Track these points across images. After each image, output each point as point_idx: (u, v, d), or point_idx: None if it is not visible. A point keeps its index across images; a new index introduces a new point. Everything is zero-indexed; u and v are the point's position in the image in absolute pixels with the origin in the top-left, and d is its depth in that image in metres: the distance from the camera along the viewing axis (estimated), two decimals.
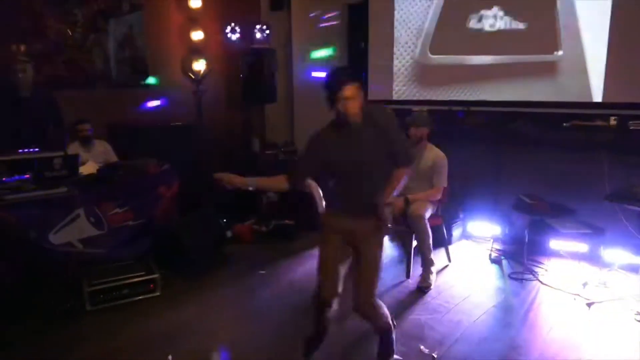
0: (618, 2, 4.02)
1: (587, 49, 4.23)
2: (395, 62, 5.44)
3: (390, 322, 2.62)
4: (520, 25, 4.57)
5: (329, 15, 5.97)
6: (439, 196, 3.96)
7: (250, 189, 2.48)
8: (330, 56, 6.01)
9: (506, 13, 4.62)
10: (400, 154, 2.39)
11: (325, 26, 5.98)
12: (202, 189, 5.33)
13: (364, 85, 5.91)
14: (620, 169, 3.91)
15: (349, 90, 2.23)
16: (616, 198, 3.58)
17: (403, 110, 5.16)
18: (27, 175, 3.48)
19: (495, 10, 4.68)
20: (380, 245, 2.50)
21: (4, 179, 3.38)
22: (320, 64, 6.07)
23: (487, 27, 4.74)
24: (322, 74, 5.92)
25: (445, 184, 4.00)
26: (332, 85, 2.25)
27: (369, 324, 2.60)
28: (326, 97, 2.30)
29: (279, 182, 2.50)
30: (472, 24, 4.81)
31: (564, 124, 4.45)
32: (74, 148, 4.40)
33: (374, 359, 2.74)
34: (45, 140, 4.13)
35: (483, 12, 4.74)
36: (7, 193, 3.26)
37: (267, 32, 6.20)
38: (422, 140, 4.02)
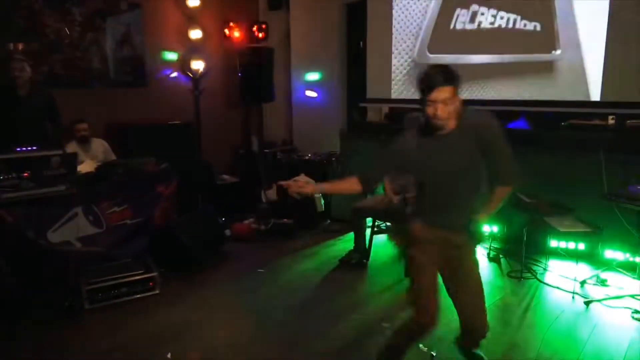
0: (616, 1, 4.03)
1: (585, 48, 4.24)
2: (394, 61, 5.45)
3: None
4: (519, 25, 4.58)
5: None
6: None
7: (318, 195, 2.35)
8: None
9: (505, 12, 4.64)
10: (506, 173, 2.22)
11: (324, 24, 5.97)
12: (201, 188, 5.34)
13: (360, 85, 5.93)
14: (618, 168, 3.91)
15: (441, 92, 2.02)
16: (614, 197, 3.59)
17: (402, 109, 5.18)
18: (26, 174, 3.47)
19: (493, 9, 4.69)
20: (477, 259, 2.33)
21: (2, 177, 3.37)
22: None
23: (485, 26, 4.75)
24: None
25: None
26: (424, 85, 2.06)
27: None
28: (419, 97, 2.12)
29: (351, 186, 2.31)
30: (470, 23, 4.82)
31: (562, 123, 4.47)
32: (71, 147, 4.40)
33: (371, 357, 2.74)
34: (44, 139, 4.12)
35: (481, 10, 4.75)
36: (5, 192, 3.25)
37: (266, 31, 6.21)
38: None
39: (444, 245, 2.25)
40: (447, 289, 2.33)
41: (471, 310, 2.29)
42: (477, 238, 2.30)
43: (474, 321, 2.30)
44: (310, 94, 6.19)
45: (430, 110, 2.05)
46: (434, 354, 2.83)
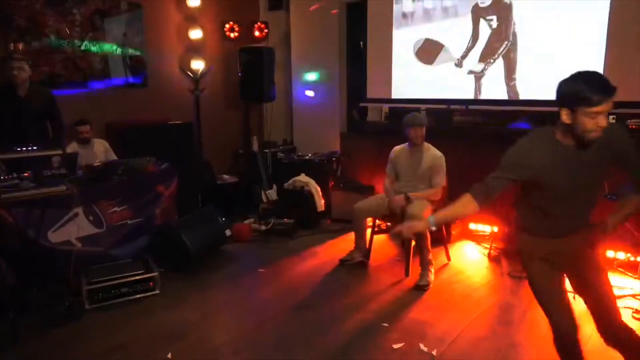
0: (616, 0, 4.03)
1: (585, 46, 4.23)
2: (394, 60, 5.44)
3: None
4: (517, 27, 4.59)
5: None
6: (439, 196, 3.97)
7: (434, 228, 2.26)
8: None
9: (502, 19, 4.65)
10: None
11: (325, 24, 5.97)
12: (201, 187, 5.34)
13: (360, 85, 5.93)
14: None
15: (608, 104, 1.83)
16: (615, 196, 3.58)
17: (403, 109, 5.17)
18: (26, 174, 3.46)
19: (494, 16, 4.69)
20: (600, 260, 2.20)
21: (2, 177, 3.37)
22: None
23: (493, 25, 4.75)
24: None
25: (444, 183, 4.01)
26: (586, 93, 1.83)
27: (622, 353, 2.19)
28: (565, 104, 1.90)
29: (466, 206, 2.09)
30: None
31: None
32: (72, 148, 4.39)
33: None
34: (44, 139, 4.12)
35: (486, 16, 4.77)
36: (6, 192, 3.24)
37: (266, 31, 6.21)
38: (422, 140, 4.03)
39: (554, 252, 2.16)
40: (584, 301, 2.20)
41: (597, 311, 2.15)
42: (594, 241, 2.19)
43: (605, 320, 2.13)
44: (309, 93, 6.18)
45: (589, 123, 1.85)
46: (434, 354, 2.83)
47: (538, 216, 2.16)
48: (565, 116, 1.91)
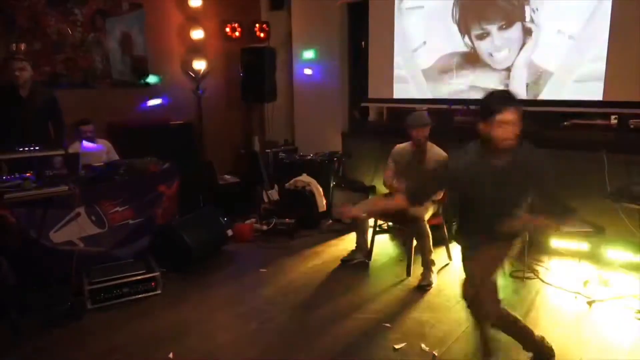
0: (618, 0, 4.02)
1: (586, 47, 4.23)
2: (396, 60, 5.44)
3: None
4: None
5: None
6: (441, 195, 3.96)
7: (364, 215, 2.52)
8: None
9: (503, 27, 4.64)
10: (559, 208, 2.30)
11: (326, 24, 5.97)
12: (202, 187, 5.35)
13: (362, 85, 5.95)
14: (621, 168, 3.90)
15: (511, 113, 2.10)
16: (617, 197, 3.58)
17: (405, 109, 5.17)
18: (28, 174, 3.47)
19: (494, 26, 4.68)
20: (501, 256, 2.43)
21: (4, 177, 3.38)
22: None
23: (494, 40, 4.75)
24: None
25: None
26: (492, 104, 2.12)
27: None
28: (481, 117, 2.18)
29: (398, 204, 2.45)
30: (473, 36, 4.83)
31: (565, 123, 4.46)
32: (74, 148, 4.40)
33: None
34: (46, 139, 4.13)
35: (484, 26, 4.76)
36: (8, 192, 3.25)
37: (267, 31, 6.21)
38: (425, 140, 4.02)
39: (485, 248, 2.39)
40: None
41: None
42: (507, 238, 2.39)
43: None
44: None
45: (499, 131, 2.10)
46: (436, 354, 2.83)
47: (469, 224, 2.45)
48: (481, 127, 2.17)
